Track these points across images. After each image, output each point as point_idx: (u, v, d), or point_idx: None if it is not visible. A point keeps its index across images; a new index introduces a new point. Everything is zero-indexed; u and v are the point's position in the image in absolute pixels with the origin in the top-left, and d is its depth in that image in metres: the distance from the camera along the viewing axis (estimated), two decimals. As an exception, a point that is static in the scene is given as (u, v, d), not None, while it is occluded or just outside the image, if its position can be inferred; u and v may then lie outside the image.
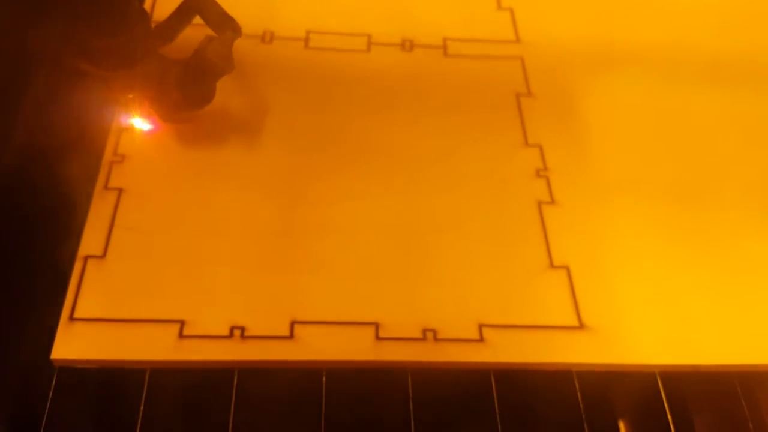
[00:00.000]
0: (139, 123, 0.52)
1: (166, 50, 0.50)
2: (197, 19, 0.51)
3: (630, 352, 0.46)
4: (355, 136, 0.54)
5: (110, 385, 0.43)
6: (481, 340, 0.45)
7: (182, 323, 0.44)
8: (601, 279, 0.49)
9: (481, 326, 0.46)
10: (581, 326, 0.47)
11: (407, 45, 0.60)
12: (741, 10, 0.66)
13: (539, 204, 0.52)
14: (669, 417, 0.45)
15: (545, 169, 0.54)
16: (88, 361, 0.43)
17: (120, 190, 0.50)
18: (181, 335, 0.44)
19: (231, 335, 0.44)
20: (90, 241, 0.47)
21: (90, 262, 0.46)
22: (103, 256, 0.47)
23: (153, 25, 0.51)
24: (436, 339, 0.45)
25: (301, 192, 0.51)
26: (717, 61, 0.62)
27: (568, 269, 0.49)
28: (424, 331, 0.45)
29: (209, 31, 0.49)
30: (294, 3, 0.62)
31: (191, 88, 0.49)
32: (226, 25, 0.49)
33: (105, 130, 0.52)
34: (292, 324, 0.45)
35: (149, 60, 0.48)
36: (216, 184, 0.51)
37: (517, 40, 0.62)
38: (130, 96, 0.50)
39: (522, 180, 0.53)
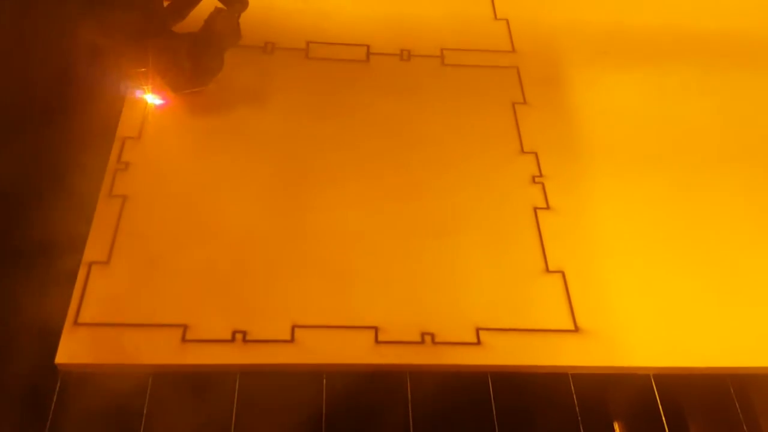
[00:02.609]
0: (151, 97, 0.54)
1: (177, 27, 0.52)
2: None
3: (625, 354, 0.47)
4: (355, 143, 0.55)
5: (114, 388, 0.43)
6: (479, 343, 0.46)
7: (185, 327, 0.45)
8: (596, 283, 0.49)
9: (478, 330, 0.47)
10: (576, 330, 0.47)
11: (405, 55, 0.61)
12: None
13: (535, 210, 0.53)
14: (663, 419, 0.45)
15: (541, 175, 0.55)
16: (92, 366, 0.44)
17: (124, 197, 0.50)
18: (183, 339, 0.45)
19: (233, 339, 0.45)
20: (94, 248, 0.48)
21: (94, 267, 0.47)
22: (108, 262, 0.47)
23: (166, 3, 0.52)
24: (434, 342, 0.46)
25: (301, 198, 0.52)
26: (713, 64, 0.63)
27: (563, 274, 0.50)
28: (423, 334, 0.46)
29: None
30: (294, 14, 0.63)
31: (201, 59, 0.51)
32: None
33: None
34: (293, 328, 0.46)
35: (162, 34, 0.50)
36: (217, 191, 0.52)
37: (513, 50, 0.63)
38: (143, 70, 0.51)
39: (518, 186, 0.54)
